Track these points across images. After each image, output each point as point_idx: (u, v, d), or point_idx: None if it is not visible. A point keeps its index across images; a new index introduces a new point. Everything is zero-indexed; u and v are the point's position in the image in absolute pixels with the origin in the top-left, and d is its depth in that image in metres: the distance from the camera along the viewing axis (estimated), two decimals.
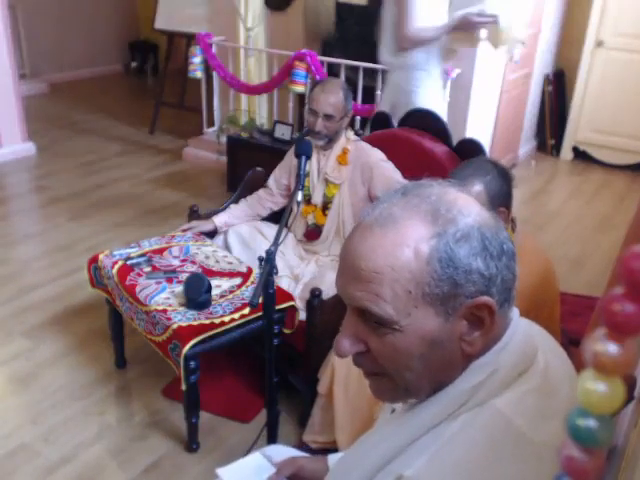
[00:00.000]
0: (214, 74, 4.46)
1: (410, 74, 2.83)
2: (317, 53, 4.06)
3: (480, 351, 0.75)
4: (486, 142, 4.25)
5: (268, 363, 1.85)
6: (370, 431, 0.90)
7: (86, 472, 2.07)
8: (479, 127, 4.10)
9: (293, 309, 2.19)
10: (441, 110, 2.85)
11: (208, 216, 2.62)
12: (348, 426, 1.93)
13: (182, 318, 2.01)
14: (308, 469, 1.14)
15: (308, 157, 1.99)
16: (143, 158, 4.97)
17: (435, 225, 0.72)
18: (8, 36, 4.59)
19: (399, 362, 0.75)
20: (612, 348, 0.47)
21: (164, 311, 2.04)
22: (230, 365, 2.54)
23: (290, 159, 2.56)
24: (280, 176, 2.62)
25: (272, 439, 2.02)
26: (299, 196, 1.87)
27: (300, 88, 3.97)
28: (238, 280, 2.25)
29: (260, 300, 1.64)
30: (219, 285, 2.20)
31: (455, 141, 2.64)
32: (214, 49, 4.41)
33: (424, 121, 2.74)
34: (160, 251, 2.39)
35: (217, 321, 2.02)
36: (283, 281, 2.43)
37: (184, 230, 2.56)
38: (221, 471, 1.20)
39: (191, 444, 2.15)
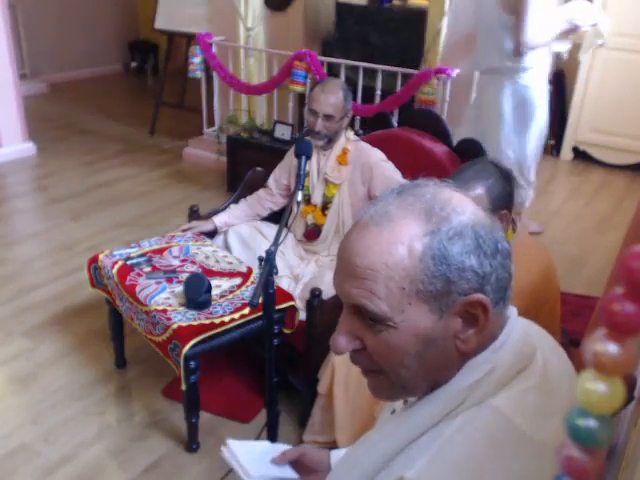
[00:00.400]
0: (214, 74, 4.46)
1: (525, 74, 3.11)
2: (317, 53, 4.06)
3: (475, 349, 0.76)
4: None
5: (268, 363, 1.85)
6: (371, 431, 0.91)
7: (86, 472, 2.07)
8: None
9: (293, 309, 2.19)
10: (546, 102, 3.23)
11: (208, 216, 2.62)
12: (348, 426, 1.93)
13: (182, 318, 2.01)
14: (310, 456, 1.15)
15: (308, 157, 1.99)
16: (143, 158, 4.97)
17: (429, 223, 0.73)
18: (8, 36, 4.59)
19: (394, 359, 0.75)
20: (612, 348, 0.47)
21: (164, 311, 2.04)
22: (230, 365, 2.55)
23: (290, 159, 2.56)
24: (280, 176, 2.62)
25: (272, 439, 2.02)
26: (299, 196, 1.87)
27: (300, 88, 3.97)
28: (238, 280, 2.25)
29: (260, 300, 1.64)
30: (219, 285, 2.20)
31: (455, 141, 2.64)
32: (214, 49, 4.41)
33: (424, 121, 2.74)
34: (160, 251, 2.39)
35: (217, 321, 2.02)
36: (283, 281, 2.43)
37: (184, 230, 2.56)
38: (231, 442, 1.21)
39: (191, 444, 2.15)
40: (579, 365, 0.53)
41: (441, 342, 0.74)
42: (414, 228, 0.73)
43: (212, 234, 2.59)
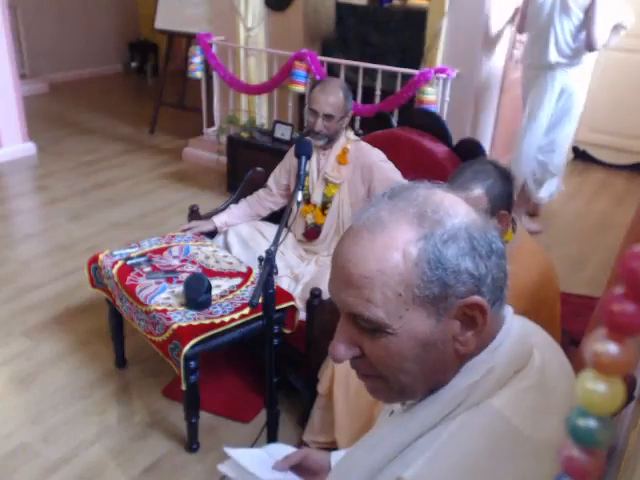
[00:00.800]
0: (214, 74, 4.46)
1: (580, 68, 3.50)
2: (317, 53, 4.06)
3: (474, 350, 0.76)
4: (486, 142, 4.25)
5: (268, 363, 1.85)
6: (369, 432, 0.91)
7: (86, 472, 2.07)
8: (479, 127, 4.10)
9: (293, 309, 2.19)
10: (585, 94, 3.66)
11: (208, 216, 2.63)
12: (348, 426, 1.93)
13: (182, 318, 2.01)
14: (312, 458, 1.15)
15: (308, 157, 1.99)
16: (143, 158, 4.98)
17: (422, 227, 0.72)
18: (8, 36, 4.59)
19: (394, 365, 0.75)
20: (612, 348, 0.47)
21: (164, 311, 2.04)
22: (230, 365, 2.55)
23: (290, 159, 2.56)
24: (280, 176, 2.62)
25: (272, 439, 2.02)
26: (299, 196, 1.87)
27: (300, 88, 3.97)
28: (238, 280, 2.25)
29: (260, 300, 1.64)
30: (219, 285, 2.20)
31: (455, 141, 2.64)
32: (214, 49, 4.41)
33: (424, 121, 2.74)
34: (160, 251, 2.39)
35: (217, 321, 2.02)
36: (283, 281, 2.43)
37: (184, 230, 2.56)
38: (230, 450, 1.20)
39: (191, 444, 2.15)
40: (579, 365, 0.53)
41: (440, 345, 0.74)
42: (407, 233, 0.72)
43: (212, 234, 2.60)
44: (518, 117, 4.74)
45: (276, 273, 1.75)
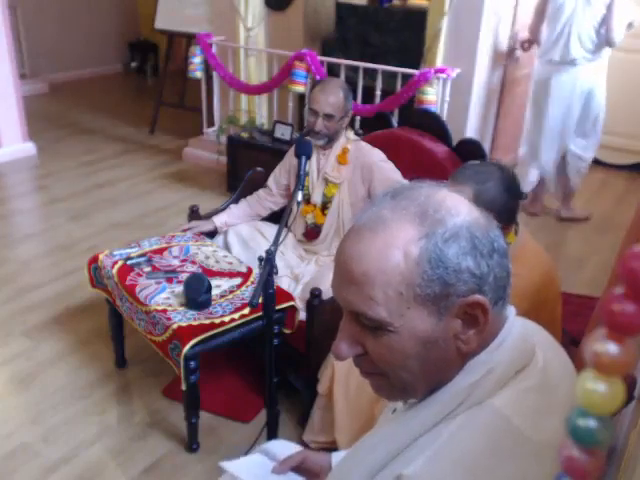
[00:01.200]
0: (214, 74, 4.46)
1: (600, 62, 3.63)
2: (317, 53, 4.06)
3: (476, 349, 0.76)
4: (486, 142, 4.25)
5: (268, 363, 1.85)
6: (371, 431, 0.91)
7: (86, 472, 2.07)
8: (479, 127, 4.10)
9: (293, 309, 2.19)
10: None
11: (208, 216, 2.63)
12: (348, 426, 1.93)
13: (182, 318, 2.01)
14: (312, 460, 1.15)
15: (308, 157, 1.99)
16: (143, 158, 4.98)
17: (423, 226, 0.72)
18: (8, 36, 4.60)
19: (395, 363, 0.75)
20: (612, 348, 0.47)
21: (164, 311, 2.04)
22: (230, 365, 2.55)
23: (290, 159, 2.56)
24: (280, 176, 2.62)
25: (272, 439, 2.02)
26: (299, 196, 1.87)
27: (300, 88, 3.97)
28: (238, 280, 2.25)
29: (260, 300, 1.64)
30: (219, 285, 2.20)
31: (455, 141, 2.64)
32: (214, 49, 4.41)
33: (424, 121, 2.74)
34: (160, 251, 2.39)
35: (217, 321, 2.02)
36: (283, 281, 2.43)
37: (184, 230, 2.56)
38: (226, 464, 1.20)
39: (191, 444, 2.15)
40: (579, 365, 0.53)
41: (442, 344, 0.74)
42: (409, 232, 0.72)
43: (212, 234, 2.60)
44: (517, 117, 4.75)
45: (276, 273, 1.75)
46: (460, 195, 0.78)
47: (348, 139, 2.48)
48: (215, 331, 2.01)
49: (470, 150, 2.50)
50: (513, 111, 4.56)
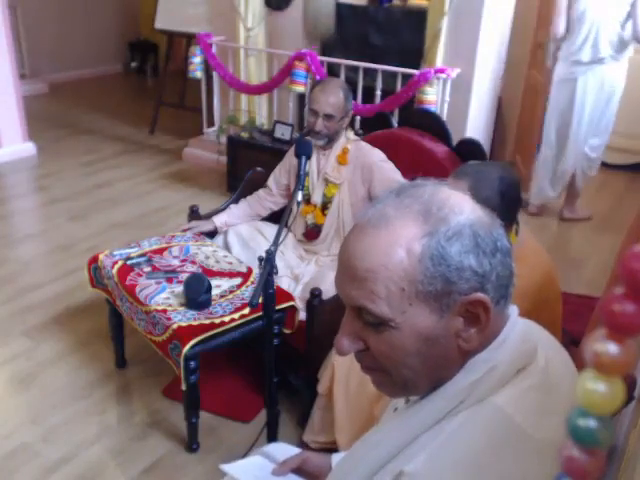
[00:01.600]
0: (214, 74, 4.46)
1: (623, 62, 3.68)
2: (317, 53, 4.06)
3: (477, 347, 0.76)
4: (486, 142, 4.25)
5: (268, 363, 1.85)
6: (373, 429, 0.91)
7: (86, 472, 2.07)
8: (479, 127, 4.10)
9: (293, 309, 2.19)
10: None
11: (208, 216, 2.63)
12: (348, 426, 1.93)
13: (182, 318, 2.01)
14: (312, 462, 1.15)
15: (308, 157, 1.99)
16: (143, 158, 4.97)
17: (427, 224, 0.73)
18: (8, 36, 4.59)
19: (396, 359, 0.76)
20: (612, 348, 0.47)
21: (164, 311, 2.04)
22: (230, 365, 2.55)
23: (290, 159, 2.56)
24: (280, 176, 2.62)
25: (272, 439, 2.02)
26: (299, 196, 1.87)
27: (300, 88, 3.97)
28: (238, 280, 2.25)
29: (260, 300, 1.64)
30: (219, 285, 2.20)
31: (455, 141, 2.64)
32: (214, 49, 4.41)
33: (424, 121, 2.74)
34: (160, 251, 2.39)
35: (217, 321, 2.02)
36: (283, 281, 2.43)
37: (184, 230, 2.56)
38: (226, 466, 1.20)
39: (191, 444, 2.15)
40: (579, 365, 0.53)
41: (443, 341, 0.75)
42: (412, 229, 0.73)
43: (212, 234, 2.59)
44: (516, 116, 4.74)
45: (276, 273, 1.75)
46: (461, 193, 0.79)
47: (348, 139, 2.48)
48: (215, 331, 2.01)
49: (470, 150, 2.50)
50: (514, 111, 4.56)
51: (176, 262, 2.33)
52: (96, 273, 2.36)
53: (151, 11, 5.77)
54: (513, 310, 0.81)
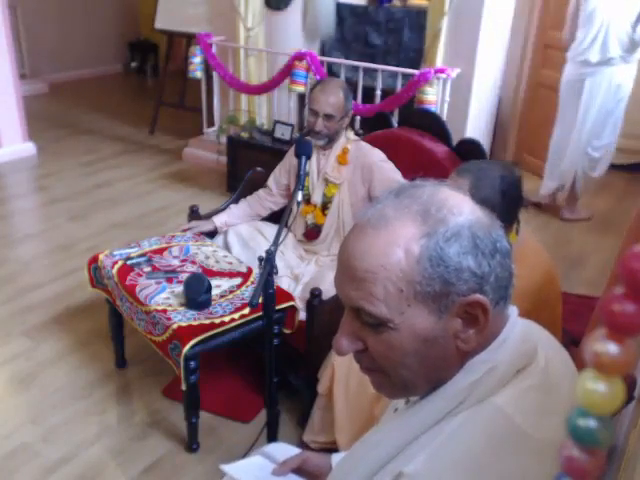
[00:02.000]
0: (214, 74, 4.46)
1: (633, 64, 3.66)
2: (317, 53, 4.06)
3: (476, 348, 0.76)
4: (486, 142, 4.25)
5: (268, 363, 1.85)
6: (373, 429, 0.91)
7: (86, 472, 2.07)
8: (479, 127, 4.10)
9: (293, 309, 2.19)
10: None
11: (208, 216, 2.62)
12: (348, 426, 1.93)
13: (182, 318, 2.01)
14: (312, 462, 1.15)
15: (308, 157, 1.99)
16: (143, 158, 4.97)
17: (425, 225, 0.73)
18: (8, 36, 4.59)
19: (395, 360, 0.76)
20: (612, 348, 0.47)
21: (164, 311, 2.04)
22: (230, 365, 2.55)
23: (290, 159, 2.56)
24: (280, 176, 2.62)
25: (272, 439, 2.02)
26: (299, 196, 1.87)
27: (300, 88, 3.97)
28: (238, 280, 2.25)
29: (260, 300, 1.64)
30: (219, 285, 2.20)
31: (455, 141, 2.64)
32: (214, 49, 4.41)
33: (424, 121, 2.74)
34: (160, 251, 2.39)
35: (217, 321, 2.02)
36: (283, 281, 2.43)
37: (184, 230, 2.56)
38: (226, 467, 1.20)
39: (191, 444, 2.15)
40: (579, 365, 0.53)
41: (441, 342, 0.75)
42: (411, 230, 0.73)
43: (212, 234, 2.59)
44: (518, 116, 4.74)
45: (276, 273, 1.75)
46: (461, 193, 0.79)
47: (348, 139, 2.48)
48: (215, 331, 2.01)
49: (470, 150, 2.49)
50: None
51: (176, 262, 2.33)
52: (96, 273, 2.36)
53: (151, 11, 5.77)
54: (513, 310, 0.81)
